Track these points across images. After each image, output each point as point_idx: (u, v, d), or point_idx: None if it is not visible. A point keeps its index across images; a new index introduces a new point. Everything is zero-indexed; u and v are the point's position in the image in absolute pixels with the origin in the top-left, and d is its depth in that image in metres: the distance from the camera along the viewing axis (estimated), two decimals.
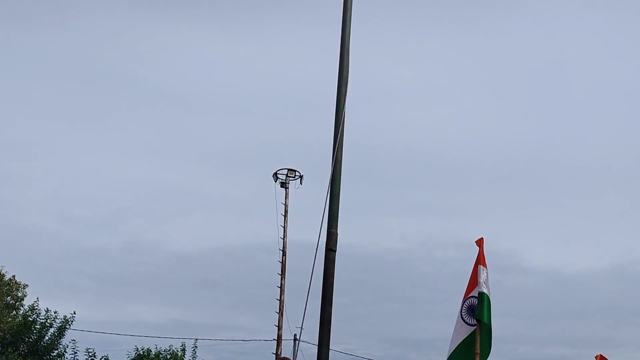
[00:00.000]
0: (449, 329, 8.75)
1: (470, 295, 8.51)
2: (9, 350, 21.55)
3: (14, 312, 25.41)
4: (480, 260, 8.63)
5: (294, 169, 28.69)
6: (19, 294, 27.77)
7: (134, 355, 25.13)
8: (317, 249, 7.20)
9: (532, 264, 60.56)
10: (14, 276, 28.32)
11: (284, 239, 27.38)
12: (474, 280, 8.55)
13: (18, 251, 47.90)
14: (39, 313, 23.12)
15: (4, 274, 27.90)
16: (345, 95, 7.62)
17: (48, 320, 23.01)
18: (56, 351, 23.15)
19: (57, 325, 23.13)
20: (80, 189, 56.03)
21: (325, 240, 7.33)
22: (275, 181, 28.72)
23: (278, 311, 25.83)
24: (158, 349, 25.38)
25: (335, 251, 7.24)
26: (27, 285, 28.35)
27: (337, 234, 7.31)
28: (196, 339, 27.29)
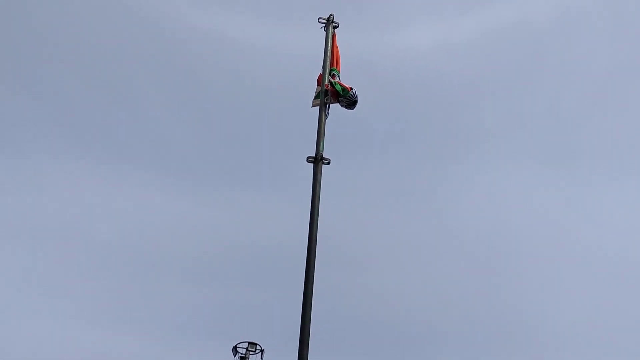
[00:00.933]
0: None
1: None
2: None
3: None
4: None
5: (255, 342, 27.68)
6: None
7: None
8: None
9: None
10: None
11: None
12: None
13: None
14: None
15: None
16: (314, 260, 7.33)
17: None
18: None
19: None
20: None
21: None
22: (235, 355, 27.66)
23: None
24: None
25: None
26: None
27: None
28: None
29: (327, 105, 8.85)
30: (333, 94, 8.86)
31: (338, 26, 9.17)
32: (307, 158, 8.19)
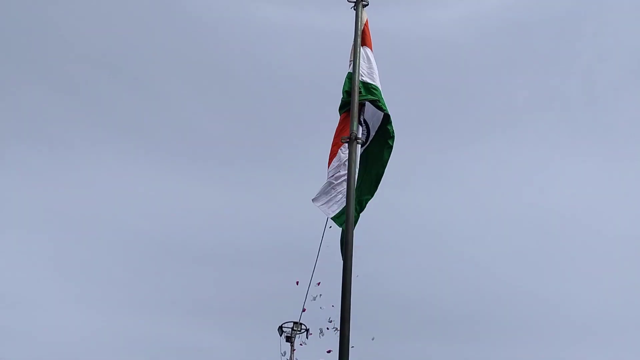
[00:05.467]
0: None
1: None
2: None
3: None
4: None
5: (300, 322, 27.99)
6: None
7: None
8: None
9: None
10: None
11: None
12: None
13: None
14: None
15: None
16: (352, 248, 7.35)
17: None
18: None
19: None
20: (68, 347, 54.20)
21: None
22: (281, 335, 28.05)
23: None
24: None
25: None
26: None
27: None
28: None
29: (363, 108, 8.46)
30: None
31: (368, 4, 8.93)
32: (342, 138, 8.17)
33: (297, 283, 17.15)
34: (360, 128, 8.14)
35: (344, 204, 7.73)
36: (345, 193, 7.81)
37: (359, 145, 8.03)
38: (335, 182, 7.96)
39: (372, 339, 17.76)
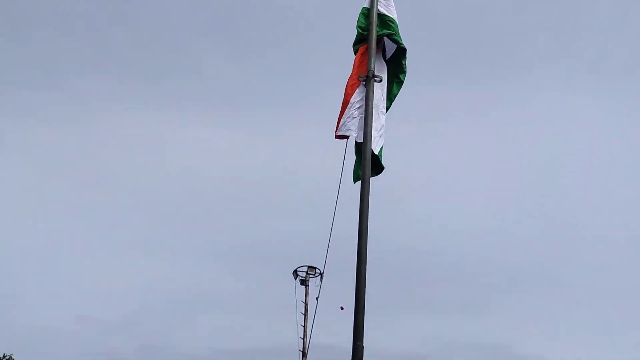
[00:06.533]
0: None
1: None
2: None
3: None
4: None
5: (314, 266, 28.17)
6: None
7: None
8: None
9: None
10: None
11: (303, 338, 26.61)
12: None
13: (36, 353, 46.84)
14: None
15: None
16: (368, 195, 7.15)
17: None
18: None
19: None
20: (94, 290, 55.25)
21: (351, 352, 6.83)
22: (295, 278, 28.29)
23: None
24: None
25: None
26: None
27: (362, 347, 6.78)
28: None
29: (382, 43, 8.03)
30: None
31: None
32: (359, 76, 7.83)
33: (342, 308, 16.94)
34: (378, 65, 7.78)
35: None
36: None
37: (378, 83, 7.69)
38: (358, 116, 7.64)
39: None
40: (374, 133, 7.45)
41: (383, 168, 7.62)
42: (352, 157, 7.84)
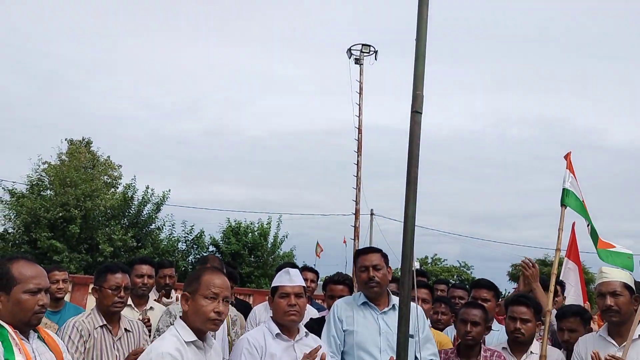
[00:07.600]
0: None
1: None
2: (112, 223, 23.41)
3: (112, 189, 27.30)
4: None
5: (368, 44, 28.22)
6: (115, 174, 29.71)
7: (225, 228, 26.93)
8: None
9: (611, 141, 58.87)
10: (108, 157, 30.20)
11: (359, 116, 26.88)
12: None
13: (108, 137, 50.68)
14: (137, 190, 24.88)
15: (99, 156, 29.80)
16: None
17: (145, 197, 24.80)
18: (154, 224, 25.01)
19: (155, 201, 24.88)
20: (160, 76, 57.78)
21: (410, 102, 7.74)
22: (349, 58, 28.13)
23: (355, 187, 25.94)
24: (247, 222, 27.12)
25: (421, 113, 7.48)
26: (120, 166, 30.24)
27: (422, 96, 7.60)
28: (281, 214, 29.09)
29: None
30: None
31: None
32: None
33: None
34: None
35: None
36: None
37: None
38: None
39: None
40: None
41: None
42: None
